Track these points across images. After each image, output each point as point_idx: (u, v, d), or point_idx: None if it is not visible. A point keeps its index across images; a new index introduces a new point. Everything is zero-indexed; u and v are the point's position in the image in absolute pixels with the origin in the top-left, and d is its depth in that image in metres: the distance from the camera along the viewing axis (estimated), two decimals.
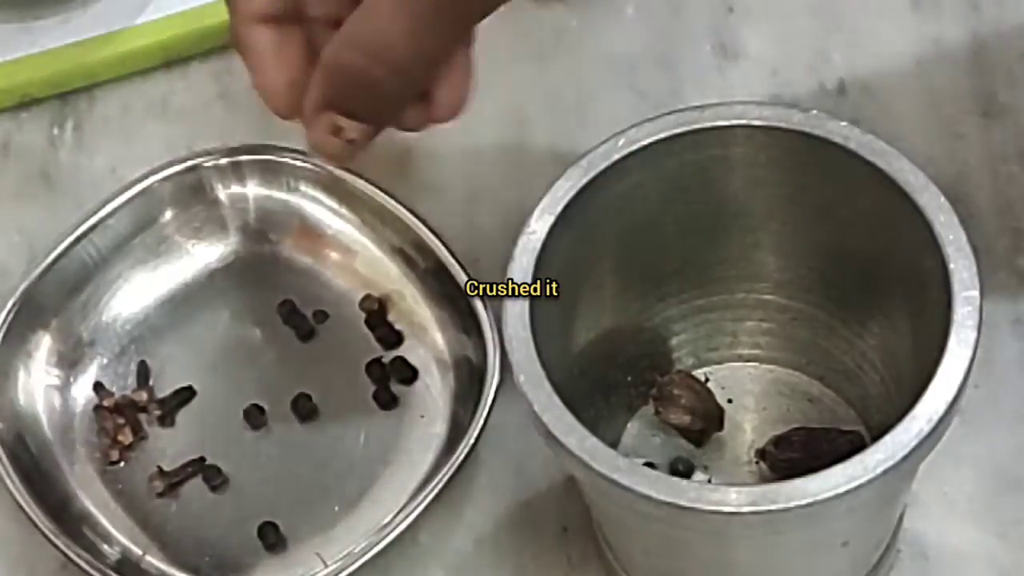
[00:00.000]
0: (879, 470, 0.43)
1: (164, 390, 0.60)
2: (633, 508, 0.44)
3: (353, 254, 0.62)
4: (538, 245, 0.48)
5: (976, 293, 0.45)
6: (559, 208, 0.48)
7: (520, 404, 0.59)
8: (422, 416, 0.59)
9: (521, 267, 0.47)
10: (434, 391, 0.59)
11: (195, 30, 0.68)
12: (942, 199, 0.47)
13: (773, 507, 0.43)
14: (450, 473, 0.55)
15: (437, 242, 0.60)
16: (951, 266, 0.45)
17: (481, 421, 0.56)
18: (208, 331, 0.62)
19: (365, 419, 0.59)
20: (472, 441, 0.55)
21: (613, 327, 0.53)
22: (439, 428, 0.58)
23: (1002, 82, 0.65)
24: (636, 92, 0.66)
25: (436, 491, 0.55)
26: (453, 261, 0.59)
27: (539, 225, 0.48)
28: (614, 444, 0.55)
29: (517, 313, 0.47)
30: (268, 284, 0.62)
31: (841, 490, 0.42)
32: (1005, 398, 0.57)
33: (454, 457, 0.55)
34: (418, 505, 0.55)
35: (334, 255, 0.62)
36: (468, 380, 0.58)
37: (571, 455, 0.45)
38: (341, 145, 0.54)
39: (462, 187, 0.65)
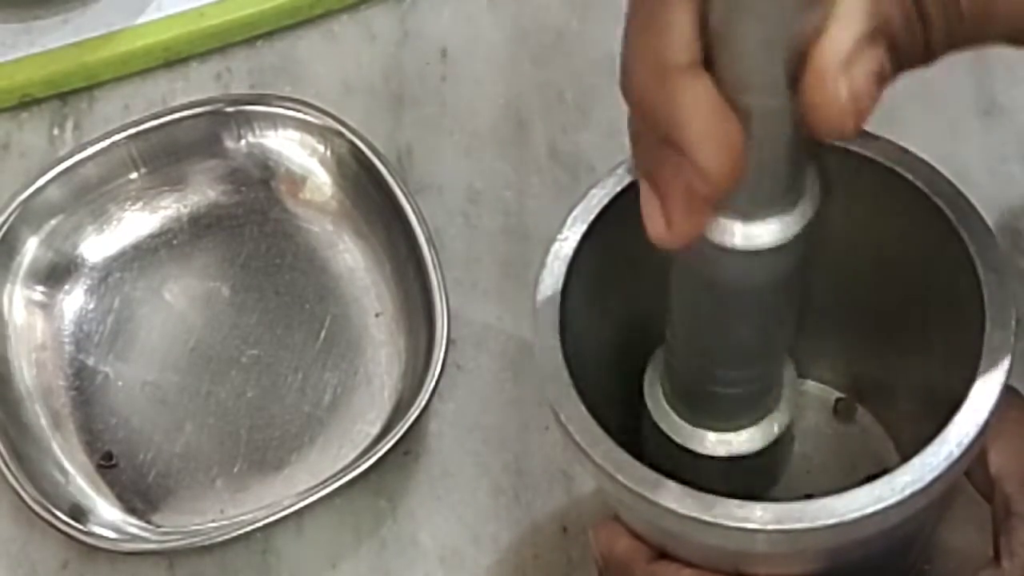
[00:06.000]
0: (907, 492, 0.42)
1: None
2: (657, 521, 0.44)
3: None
4: (570, 252, 0.47)
5: (1011, 315, 0.44)
6: (592, 216, 0.48)
7: (522, 406, 0.60)
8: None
9: (552, 274, 0.47)
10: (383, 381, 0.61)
11: (195, 30, 0.68)
12: (980, 217, 0.46)
13: (798, 526, 0.42)
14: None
15: (420, 232, 0.61)
16: (985, 287, 0.45)
17: (413, 417, 0.56)
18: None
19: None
20: (401, 434, 0.56)
21: (643, 336, 0.53)
22: (376, 428, 0.59)
23: (1002, 82, 0.65)
24: None
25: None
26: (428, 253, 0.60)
27: (571, 232, 0.47)
28: (640, 453, 0.54)
29: (546, 321, 0.46)
30: (249, 233, 0.64)
31: (868, 511, 0.42)
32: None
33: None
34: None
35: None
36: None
37: (596, 466, 0.44)
38: (874, 96, 0.37)
39: (462, 187, 0.65)
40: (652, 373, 0.50)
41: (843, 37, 0.36)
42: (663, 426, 0.49)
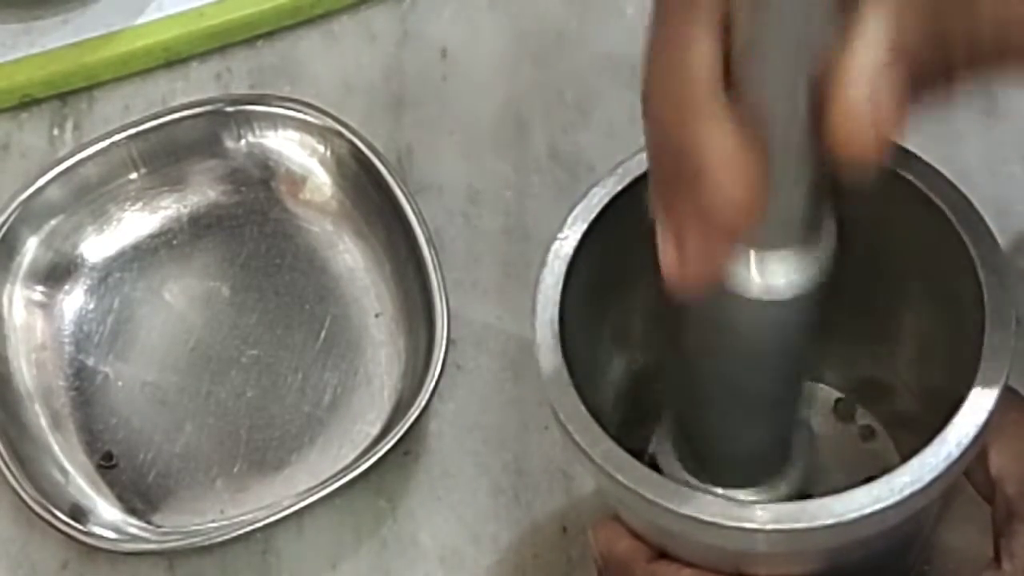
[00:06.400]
0: (905, 492, 0.42)
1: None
2: (657, 521, 0.44)
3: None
4: (570, 251, 0.47)
5: (1011, 316, 0.44)
6: (593, 215, 0.47)
7: (522, 406, 0.60)
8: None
9: (553, 273, 0.47)
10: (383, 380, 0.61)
11: (195, 30, 0.68)
12: (980, 218, 0.46)
13: (797, 525, 0.42)
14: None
15: (420, 231, 0.61)
16: (986, 288, 0.44)
17: (413, 417, 0.56)
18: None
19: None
20: (400, 436, 0.56)
21: (642, 335, 0.53)
22: (376, 428, 0.59)
23: (1002, 82, 0.65)
24: (636, 92, 0.65)
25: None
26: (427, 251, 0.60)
27: (572, 231, 0.47)
28: (640, 451, 0.54)
29: (546, 320, 0.46)
30: (249, 233, 0.64)
31: (866, 511, 0.41)
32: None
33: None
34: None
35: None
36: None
37: (595, 465, 0.44)
38: (900, 118, 0.36)
39: (462, 187, 0.65)
40: (661, 432, 0.50)
41: (866, 56, 0.35)
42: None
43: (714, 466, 0.48)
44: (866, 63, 0.35)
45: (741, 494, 0.48)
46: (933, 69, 0.37)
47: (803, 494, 0.50)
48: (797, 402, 0.47)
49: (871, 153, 0.35)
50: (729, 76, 0.36)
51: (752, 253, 0.39)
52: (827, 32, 0.35)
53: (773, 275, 0.40)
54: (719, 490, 0.47)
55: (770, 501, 0.48)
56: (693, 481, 0.48)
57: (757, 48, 0.36)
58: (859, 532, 0.42)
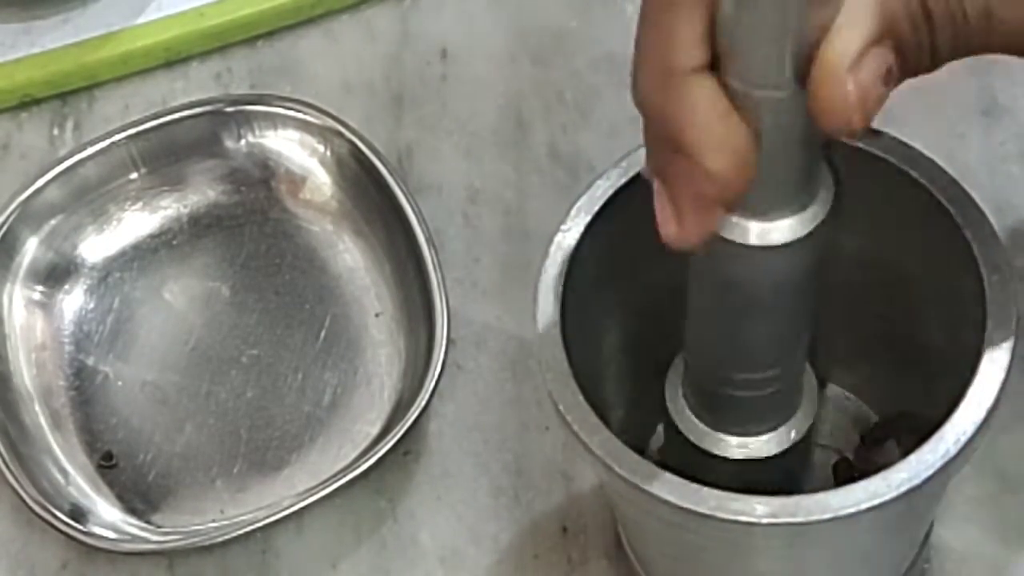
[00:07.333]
0: (903, 489, 0.42)
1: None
2: (654, 513, 0.44)
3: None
4: (573, 243, 0.47)
5: (1012, 314, 0.44)
6: (596, 207, 0.47)
7: (521, 406, 0.60)
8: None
9: (555, 264, 0.47)
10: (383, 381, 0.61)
11: (195, 30, 0.68)
12: (983, 215, 0.46)
13: (794, 520, 0.42)
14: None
15: (418, 229, 0.61)
16: (987, 286, 0.44)
17: (413, 417, 0.56)
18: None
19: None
20: (399, 437, 0.56)
21: (645, 328, 0.53)
22: (376, 428, 0.59)
23: (1002, 82, 0.65)
24: None
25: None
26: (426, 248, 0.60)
27: (575, 223, 0.47)
28: (643, 446, 0.54)
29: (548, 311, 0.46)
30: (249, 233, 0.64)
31: (863, 507, 0.41)
32: (1005, 398, 0.57)
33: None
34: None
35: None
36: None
37: (594, 456, 0.44)
38: (881, 95, 0.38)
39: (462, 187, 0.65)
40: (673, 376, 0.50)
41: (852, 36, 0.36)
42: (682, 428, 0.48)
43: (725, 415, 0.48)
44: (853, 37, 0.36)
45: (752, 441, 0.48)
46: (917, 49, 0.38)
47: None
48: (801, 350, 0.47)
49: (853, 128, 0.37)
50: (715, 48, 0.37)
51: (750, 220, 0.40)
52: (814, 12, 0.36)
53: (771, 233, 0.40)
54: (733, 439, 0.48)
55: (779, 447, 0.48)
56: (704, 428, 0.48)
57: (742, 25, 0.36)
58: (857, 527, 0.42)
